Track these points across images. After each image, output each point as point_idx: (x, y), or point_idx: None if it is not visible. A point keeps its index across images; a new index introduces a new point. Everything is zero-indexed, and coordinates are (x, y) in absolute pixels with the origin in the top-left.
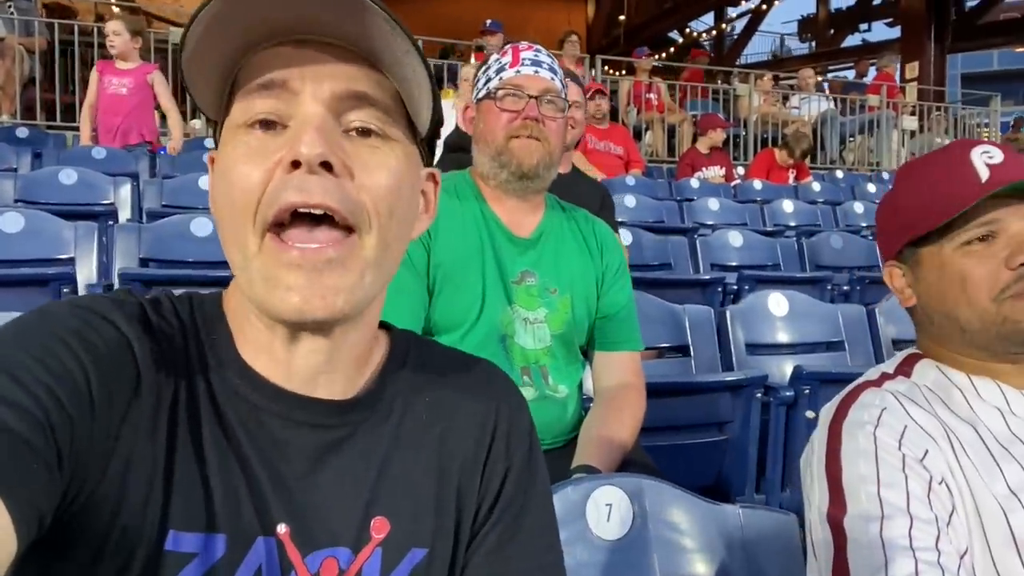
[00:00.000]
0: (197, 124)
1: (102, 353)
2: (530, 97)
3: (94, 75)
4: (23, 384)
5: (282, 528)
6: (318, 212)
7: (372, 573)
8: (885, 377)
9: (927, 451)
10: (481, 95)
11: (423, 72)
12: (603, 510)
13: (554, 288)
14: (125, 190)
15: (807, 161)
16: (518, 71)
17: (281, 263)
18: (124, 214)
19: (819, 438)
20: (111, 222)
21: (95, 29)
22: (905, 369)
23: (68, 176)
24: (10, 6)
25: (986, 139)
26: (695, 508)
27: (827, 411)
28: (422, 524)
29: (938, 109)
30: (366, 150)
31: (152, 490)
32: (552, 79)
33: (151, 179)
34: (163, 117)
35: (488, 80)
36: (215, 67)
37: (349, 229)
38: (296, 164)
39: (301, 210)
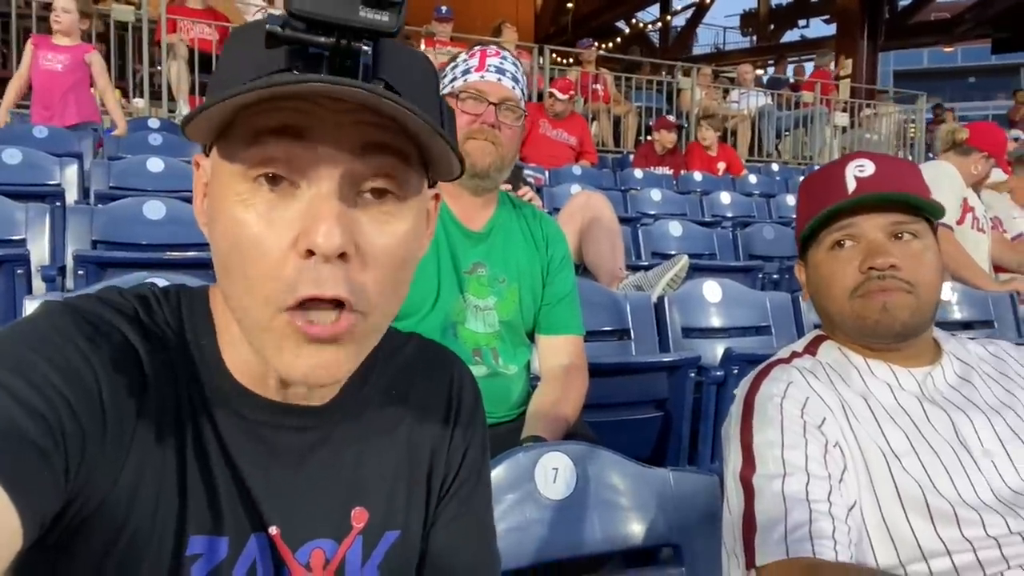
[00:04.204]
0: (140, 103)
1: (112, 362)
2: (490, 103)
3: (28, 48)
4: (38, 388)
5: (273, 529)
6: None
7: (354, 559)
8: (794, 355)
9: (824, 419)
10: (444, 92)
11: (447, 150)
12: (550, 473)
13: (503, 278)
14: (71, 171)
15: (739, 153)
16: (482, 76)
17: (292, 340)
18: (71, 196)
19: (736, 409)
20: (58, 203)
21: (34, 2)
22: (812, 349)
23: (12, 156)
24: None
25: (864, 153)
26: (631, 472)
27: (743, 385)
28: (395, 509)
29: (868, 106)
30: (379, 220)
31: (162, 494)
32: (513, 88)
33: (98, 160)
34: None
35: (453, 79)
36: (221, 112)
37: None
38: (311, 252)
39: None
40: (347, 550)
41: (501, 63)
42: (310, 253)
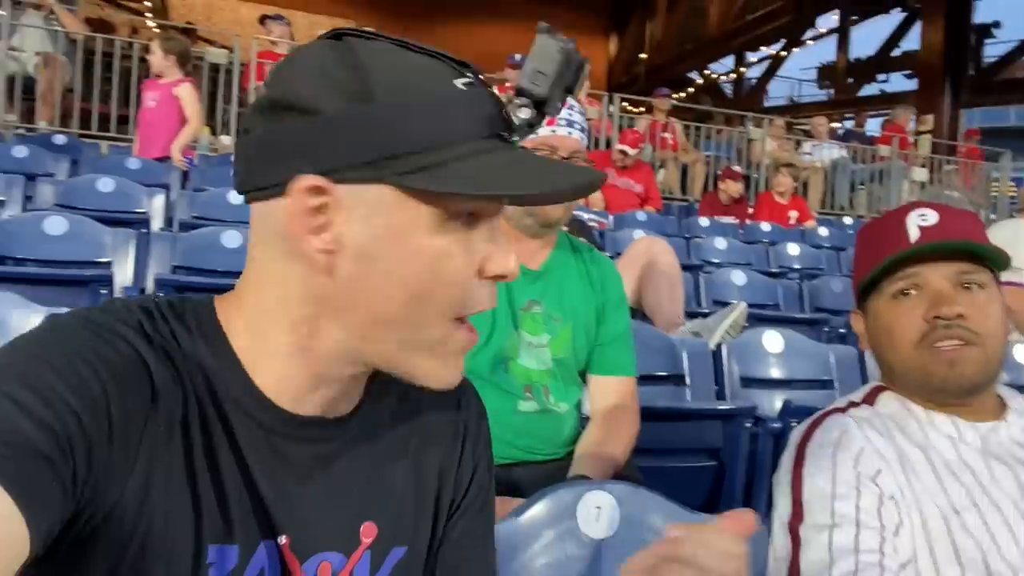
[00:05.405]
0: (226, 140)
1: (120, 371)
2: (562, 158)
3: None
4: (45, 398)
5: (282, 539)
6: None
7: (361, 573)
8: (851, 405)
9: (879, 470)
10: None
11: None
12: (593, 511)
13: (558, 317)
14: (158, 200)
15: (811, 205)
16: (553, 131)
17: (456, 354)
18: (156, 223)
19: (787, 457)
20: (144, 230)
21: (132, 44)
22: (870, 399)
23: (105, 184)
24: (54, 18)
25: (925, 203)
26: (676, 515)
27: (796, 433)
28: (403, 525)
29: (948, 162)
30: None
31: (172, 502)
32: (581, 139)
33: (183, 191)
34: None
35: None
36: None
37: None
38: (499, 276)
39: None
40: (355, 565)
41: (570, 114)
42: (499, 277)
